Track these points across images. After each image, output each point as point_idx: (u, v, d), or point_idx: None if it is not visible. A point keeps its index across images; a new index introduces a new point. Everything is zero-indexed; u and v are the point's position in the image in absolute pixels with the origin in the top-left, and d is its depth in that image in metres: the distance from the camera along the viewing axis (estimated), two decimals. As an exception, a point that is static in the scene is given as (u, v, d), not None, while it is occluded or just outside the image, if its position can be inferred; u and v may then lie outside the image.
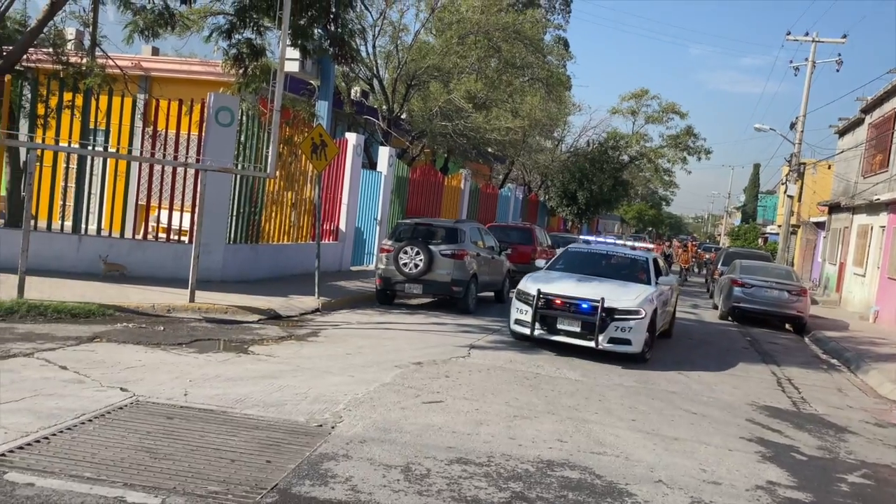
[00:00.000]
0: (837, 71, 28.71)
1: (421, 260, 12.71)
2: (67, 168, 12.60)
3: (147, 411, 5.68)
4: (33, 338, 7.66)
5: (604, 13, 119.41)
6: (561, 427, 6.49)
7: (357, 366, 7.98)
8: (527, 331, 10.06)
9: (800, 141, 28.88)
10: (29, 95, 12.05)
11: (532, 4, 35.06)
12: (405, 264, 12.77)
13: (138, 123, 12.77)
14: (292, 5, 10.81)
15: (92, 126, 12.27)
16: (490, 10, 22.77)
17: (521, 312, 10.24)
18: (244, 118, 13.04)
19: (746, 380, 10.01)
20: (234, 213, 12.99)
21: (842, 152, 28.15)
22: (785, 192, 31.33)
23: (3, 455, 4.51)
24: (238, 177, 12.86)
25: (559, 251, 13.11)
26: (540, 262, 12.58)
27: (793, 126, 29.47)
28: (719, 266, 22.18)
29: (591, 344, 9.64)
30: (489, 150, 28.43)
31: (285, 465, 4.87)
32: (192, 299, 10.23)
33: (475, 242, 13.89)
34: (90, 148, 12.05)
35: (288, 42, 11.32)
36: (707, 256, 36.45)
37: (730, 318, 17.25)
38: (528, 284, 10.37)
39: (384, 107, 23.06)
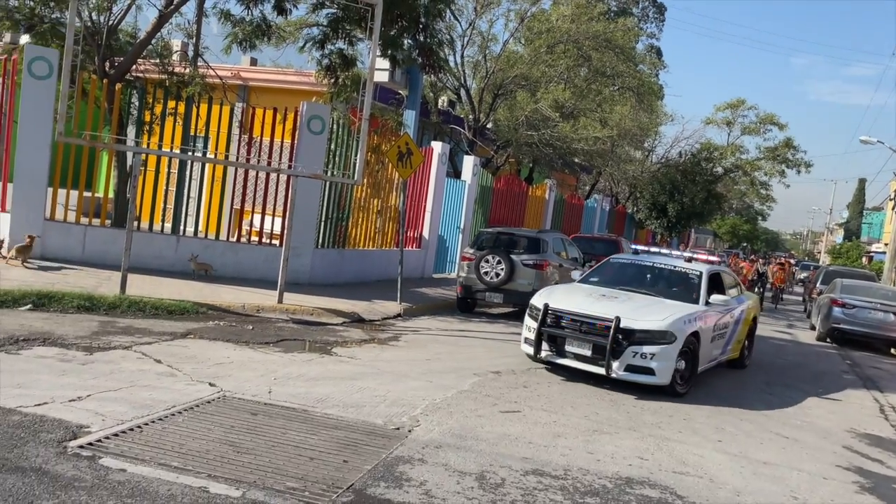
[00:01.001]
0: (955, 80, 26.81)
1: (502, 269, 12.67)
2: (169, 172, 13.27)
3: (233, 406, 5.88)
4: (132, 332, 8.08)
5: (700, 20, 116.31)
6: (642, 444, 6.30)
7: (436, 371, 8.01)
8: (531, 350, 8.69)
9: (911, 154, 27.12)
10: (136, 103, 12.78)
11: (624, 13, 34.53)
12: (486, 273, 12.76)
13: (235, 131, 13.32)
14: (383, 16, 11.03)
15: (193, 133, 12.89)
16: (581, 20, 22.56)
17: (528, 330, 8.84)
18: (335, 126, 13.39)
19: (845, 405, 9.44)
20: (323, 218, 13.33)
21: (959, 167, 26.24)
22: (893, 207, 29.47)
23: (99, 441, 4.77)
24: (327, 183, 13.19)
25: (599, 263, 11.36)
26: (575, 274, 10.76)
27: (903, 138, 27.71)
28: (818, 285, 21.06)
29: (602, 371, 8.11)
30: (575, 160, 28.09)
31: (361, 465, 4.94)
32: (280, 300, 10.55)
33: (558, 253, 13.72)
34: (190, 153, 12.65)
35: (378, 52, 11.55)
36: (804, 275, 34.67)
37: (828, 340, 16.35)
38: (541, 297, 8.93)
39: (470, 116, 23.17)
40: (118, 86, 12.10)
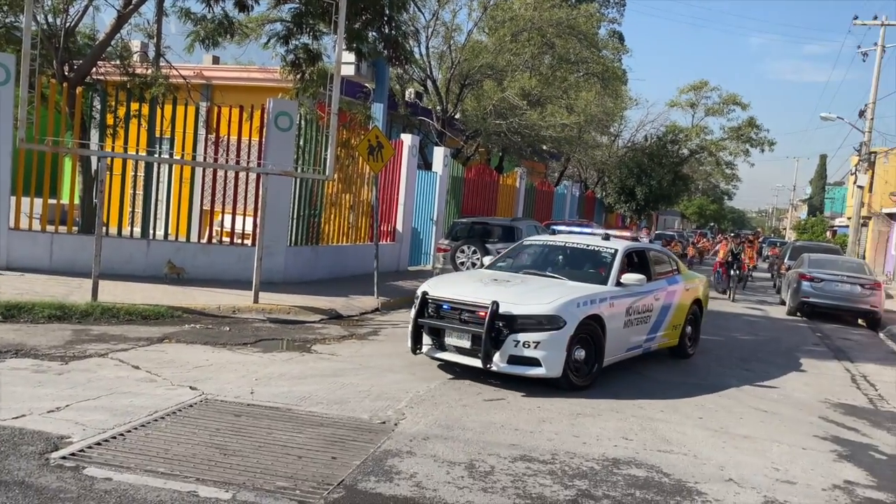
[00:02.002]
0: (910, 54, 27.49)
1: (478, 258, 12.70)
2: (136, 176, 13.05)
3: (216, 409, 5.82)
4: (107, 339, 7.95)
5: (660, 4, 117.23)
6: (625, 425, 6.38)
7: (417, 364, 8.01)
8: (410, 345, 7.76)
9: (870, 129, 27.73)
10: (98, 106, 12.53)
11: (585, -1, 34.69)
12: (462, 263, 12.79)
13: (201, 131, 13.14)
14: (347, 9, 10.95)
15: (158, 135, 12.68)
16: (543, 7, 22.60)
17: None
18: (302, 122, 13.27)
19: (818, 377, 9.65)
20: (295, 216, 13.22)
21: (916, 139, 26.91)
22: (855, 182, 30.12)
23: (82, 451, 4.70)
24: (298, 180, 13.08)
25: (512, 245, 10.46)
26: (486, 260, 9.61)
27: (862, 114, 28.32)
28: (786, 260, 21.46)
29: (479, 363, 7.14)
30: (544, 147, 28.20)
31: (350, 461, 4.93)
32: (255, 300, 10.45)
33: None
34: (157, 155, 12.45)
35: (343, 46, 11.46)
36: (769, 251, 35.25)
37: (798, 314, 16.68)
38: (426, 285, 7.96)
39: (438, 107, 23.13)
40: (79, 89, 11.85)
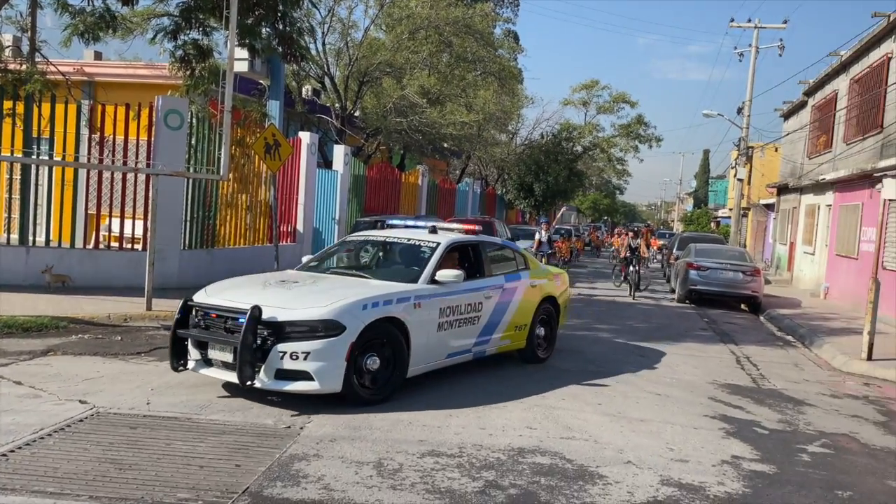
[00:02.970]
0: (780, 55, 29.52)
1: (381, 257, 12.63)
2: (11, 179, 12.20)
3: (109, 422, 5.53)
4: (-16, 354, 7.40)
5: (552, 5, 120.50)
6: (529, 414, 6.53)
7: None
8: (170, 360, 6.63)
9: (747, 125, 29.57)
10: (-33, 105, 11.60)
11: (480, -2, 35.19)
12: (366, 262, 12.66)
13: (84, 130, 12.42)
14: (239, 4, 10.64)
15: (35, 135, 11.89)
16: (439, 5, 22.76)
17: None
18: (194, 121, 12.79)
19: (707, 360, 10.22)
20: (188, 218, 12.74)
21: (787, 135, 28.93)
22: (735, 175, 32.06)
23: (-42, 475, 4.35)
24: (190, 181, 12.61)
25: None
26: (305, 258, 8.62)
27: (740, 111, 30.17)
28: (675, 251, 22.59)
29: (237, 379, 6.01)
30: (445, 145, 28.46)
31: (255, 468, 4.81)
32: (149, 307, 10.01)
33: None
34: (36, 157, 11.68)
35: (236, 42, 11.13)
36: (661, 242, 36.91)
37: (687, 301, 17.60)
38: (201, 292, 6.91)
39: (337, 105, 22.88)
40: (-57, 86, 10.95)
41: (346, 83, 22.72)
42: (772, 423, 6.97)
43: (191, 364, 6.57)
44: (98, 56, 20.13)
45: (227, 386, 6.66)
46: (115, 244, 12.73)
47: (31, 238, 11.70)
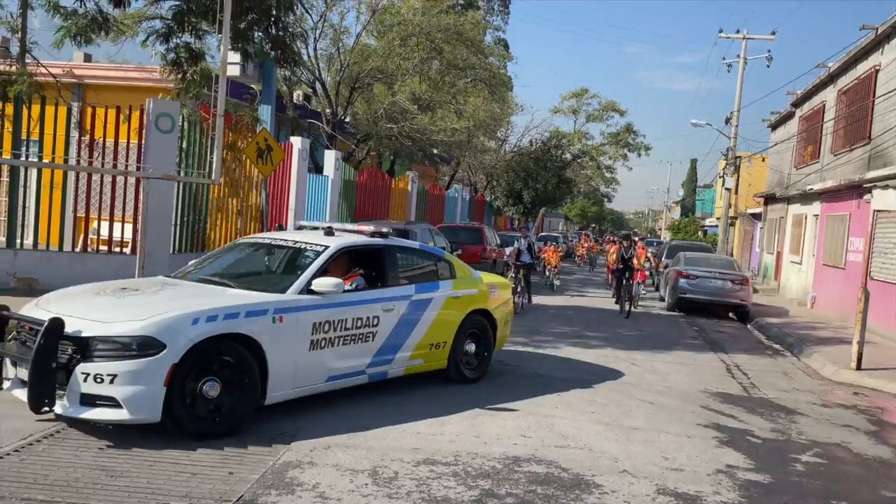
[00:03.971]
0: (768, 66, 29.80)
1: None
2: (-1, 181, 12.07)
3: (99, 428, 5.45)
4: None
5: (542, 13, 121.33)
6: (524, 423, 6.51)
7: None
8: None
9: (735, 135, 29.78)
10: (-46, 106, 11.47)
11: (471, 6, 35.26)
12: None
13: (74, 133, 12.30)
14: (232, 8, 10.58)
15: (24, 137, 11.77)
16: (431, 12, 22.78)
17: None
18: (185, 124, 12.71)
19: (697, 368, 10.24)
20: (178, 221, 12.64)
21: (775, 145, 29.16)
22: (723, 185, 32.26)
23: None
24: (181, 185, 12.52)
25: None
26: (192, 264, 7.51)
27: (728, 121, 30.38)
28: (663, 259, 22.68)
29: (29, 404, 5.07)
30: (434, 151, 28.46)
31: (249, 476, 4.75)
32: (138, 312, 9.89)
33: (427, 244, 13.84)
34: (24, 159, 11.55)
35: (229, 46, 11.07)
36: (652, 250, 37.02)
37: (676, 310, 17.65)
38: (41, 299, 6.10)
39: (328, 110, 22.83)
40: (-69, 86, 10.81)
41: (337, 89, 22.68)
42: (764, 432, 6.99)
43: (6, 384, 5.56)
44: (87, 58, 20.02)
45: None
46: (103, 247, 12.61)
47: (18, 241, 11.57)
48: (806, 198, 22.21)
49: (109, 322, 5.26)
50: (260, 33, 12.79)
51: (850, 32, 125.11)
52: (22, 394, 5.29)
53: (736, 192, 32.67)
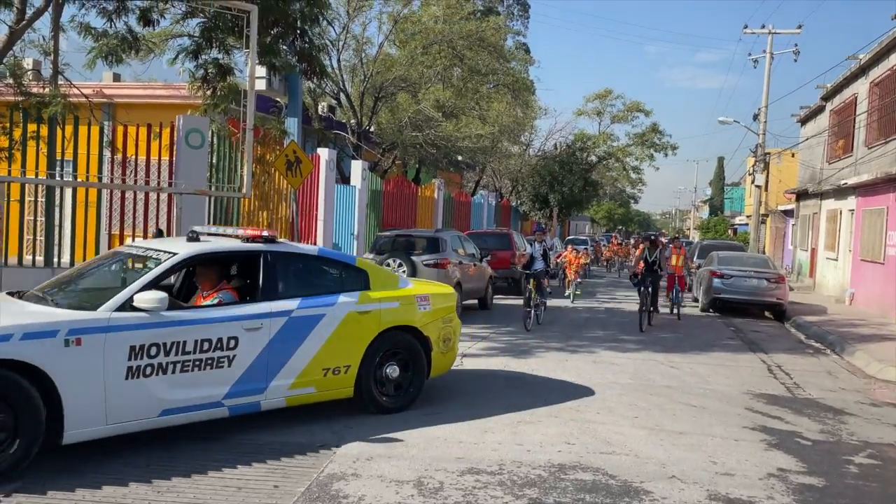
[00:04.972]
0: (795, 61, 29.55)
1: (404, 271, 12.59)
2: (36, 201, 12.25)
3: (142, 441, 5.48)
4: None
5: (561, 15, 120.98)
6: (566, 429, 6.42)
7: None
8: None
9: (763, 131, 29.34)
10: (-9, 129, 11.69)
11: (491, 12, 35.29)
12: (388, 277, 12.58)
13: (106, 151, 12.47)
14: (258, 23, 10.67)
15: (59, 157, 11.96)
16: (452, 20, 22.82)
17: None
18: (214, 139, 12.83)
19: (737, 369, 10.04)
20: (211, 236, 12.73)
21: (805, 140, 28.66)
22: (752, 182, 31.81)
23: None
24: (211, 199, 12.63)
25: None
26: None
27: (756, 117, 29.96)
28: (695, 259, 22.37)
29: None
30: (459, 158, 28.46)
31: (294, 489, 4.73)
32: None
33: (456, 251, 13.82)
34: (61, 178, 11.74)
35: (256, 60, 11.16)
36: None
37: (711, 310, 17.38)
38: None
39: (353, 120, 22.94)
40: (-32, 111, 11.04)
41: (361, 99, 22.79)
42: (813, 433, 6.81)
43: None
44: (116, 78, 20.34)
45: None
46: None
47: (56, 259, 11.74)
48: (840, 192, 21.77)
49: None
50: (286, 47, 12.90)
51: (880, 23, 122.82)
52: None
53: (766, 189, 32.18)
